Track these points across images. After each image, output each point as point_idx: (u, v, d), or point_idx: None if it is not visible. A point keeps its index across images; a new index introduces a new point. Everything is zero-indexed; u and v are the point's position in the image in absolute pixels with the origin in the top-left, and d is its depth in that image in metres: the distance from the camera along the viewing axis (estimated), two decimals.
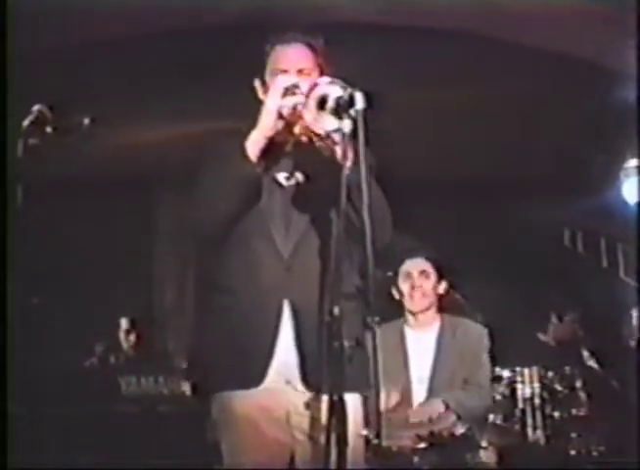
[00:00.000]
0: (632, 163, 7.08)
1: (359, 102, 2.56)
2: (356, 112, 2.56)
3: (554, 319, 6.73)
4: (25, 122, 2.90)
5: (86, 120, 3.12)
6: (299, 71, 2.97)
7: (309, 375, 2.84)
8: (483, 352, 4.56)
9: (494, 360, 4.59)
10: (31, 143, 2.91)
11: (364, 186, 2.58)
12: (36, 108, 2.94)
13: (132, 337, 7.04)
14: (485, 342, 4.58)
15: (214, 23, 5.57)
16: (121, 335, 7.10)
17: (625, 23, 5.08)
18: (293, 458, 2.92)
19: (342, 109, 2.59)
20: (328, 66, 3.01)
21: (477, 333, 4.61)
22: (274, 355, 2.87)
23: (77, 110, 3.10)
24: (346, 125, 2.57)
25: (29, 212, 2.90)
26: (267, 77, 3.02)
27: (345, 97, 2.58)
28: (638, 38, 5.10)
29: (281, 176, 2.99)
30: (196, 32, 5.60)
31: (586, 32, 5.60)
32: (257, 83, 3.06)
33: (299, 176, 2.98)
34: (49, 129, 2.96)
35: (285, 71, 2.97)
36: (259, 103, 2.96)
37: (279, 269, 2.91)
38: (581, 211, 8.08)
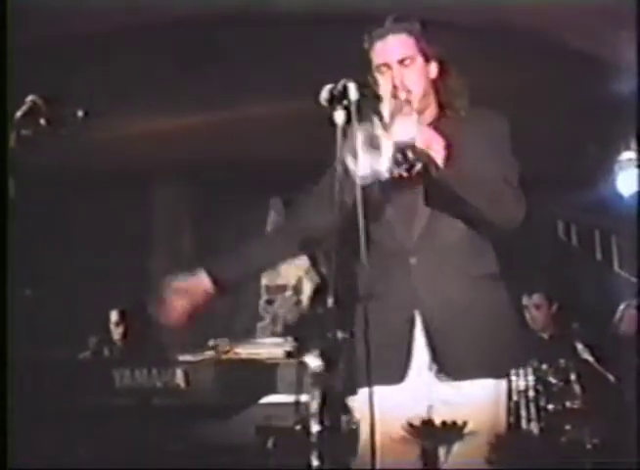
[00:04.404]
0: (626, 155, 7.09)
1: (352, 93, 2.56)
2: (350, 102, 2.56)
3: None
4: (19, 113, 2.89)
5: (80, 113, 3.11)
6: (401, 63, 2.94)
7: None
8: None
9: None
10: (24, 134, 2.90)
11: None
12: (30, 98, 2.92)
13: (120, 329, 7.02)
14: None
15: (209, 15, 5.55)
16: (112, 327, 7.09)
17: (623, 15, 5.07)
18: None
19: (335, 100, 2.58)
20: (431, 47, 2.99)
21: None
22: (412, 354, 2.91)
23: (71, 102, 3.09)
24: (339, 116, 2.57)
25: (22, 204, 2.89)
26: (375, 74, 3.00)
27: (339, 87, 2.58)
28: (636, 30, 5.10)
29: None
30: (190, 24, 5.59)
31: (583, 24, 5.60)
32: (371, 80, 3.00)
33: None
34: (42, 121, 2.95)
35: (387, 66, 2.95)
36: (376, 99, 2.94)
37: (407, 268, 2.93)
38: (576, 203, 8.10)
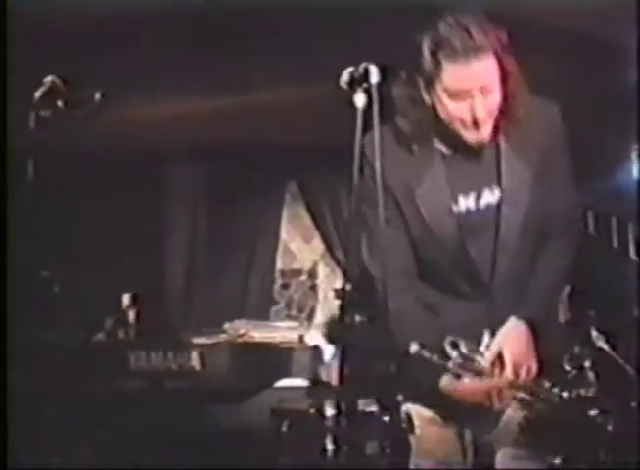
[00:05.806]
0: None
1: (374, 76, 2.54)
2: (370, 85, 2.54)
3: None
4: (38, 94, 2.89)
5: (97, 95, 3.12)
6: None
7: None
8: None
9: None
10: (43, 115, 2.91)
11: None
12: (49, 79, 2.93)
13: (133, 312, 7.03)
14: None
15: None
16: (125, 310, 7.10)
17: None
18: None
19: (356, 83, 2.57)
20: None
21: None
22: None
23: (89, 84, 3.10)
24: (360, 99, 2.56)
25: (40, 185, 2.89)
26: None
27: (360, 70, 2.56)
28: (637, 30, 5.08)
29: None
30: (208, 7, 5.58)
31: (601, 10, 5.56)
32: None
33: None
34: (60, 103, 2.96)
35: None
36: None
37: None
38: (593, 191, 8.06)
